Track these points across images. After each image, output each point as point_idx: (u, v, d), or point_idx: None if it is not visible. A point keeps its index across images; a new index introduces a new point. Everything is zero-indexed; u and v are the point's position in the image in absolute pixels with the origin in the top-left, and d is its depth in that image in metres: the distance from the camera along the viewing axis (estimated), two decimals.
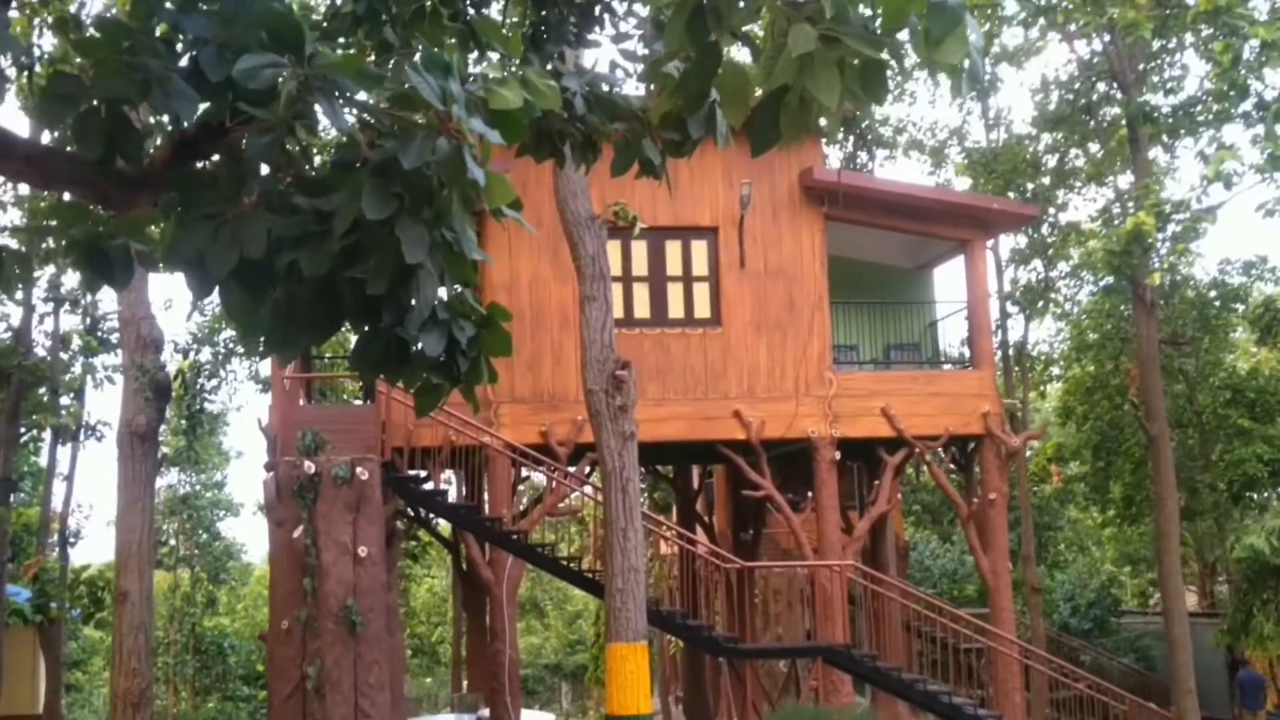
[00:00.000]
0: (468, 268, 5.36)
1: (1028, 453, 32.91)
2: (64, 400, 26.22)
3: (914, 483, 37.14)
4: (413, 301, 5.05)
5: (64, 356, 26.31)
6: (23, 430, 25.74)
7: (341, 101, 4.95)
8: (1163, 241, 22.60)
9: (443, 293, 5.22)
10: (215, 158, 5.31)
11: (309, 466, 14.77)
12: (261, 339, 5.18)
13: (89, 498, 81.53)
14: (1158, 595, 39.13)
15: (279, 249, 4.88)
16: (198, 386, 19.75)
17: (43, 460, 33.49)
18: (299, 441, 15.28)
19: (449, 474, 21.07)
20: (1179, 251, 19.15)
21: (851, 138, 30.59)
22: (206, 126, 5.24)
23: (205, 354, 27.27)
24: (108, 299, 24.74)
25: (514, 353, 16.52)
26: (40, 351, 24.36)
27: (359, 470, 14.90)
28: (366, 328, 5.25)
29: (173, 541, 41.11)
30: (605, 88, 7.11)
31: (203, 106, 4.97)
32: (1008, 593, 19.49)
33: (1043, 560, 37.55)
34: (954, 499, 20.12)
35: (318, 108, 4.80)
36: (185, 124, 5.13)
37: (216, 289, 4.88)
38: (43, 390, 23.71)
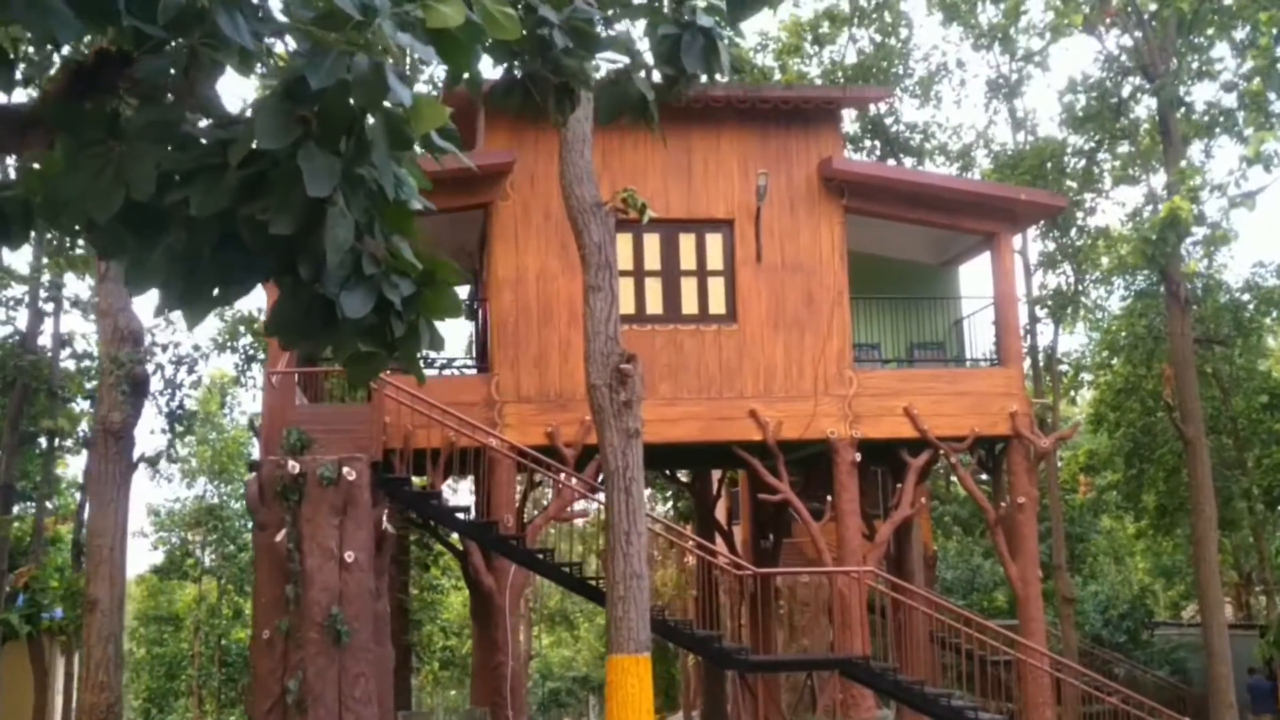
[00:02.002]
0: (404, 215, 4.62)
1: (1058, 463, 31.99)
2: (80, 407, 25.59)
3: (942, 494, 36.34)
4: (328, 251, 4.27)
5: (76, 364, 25.71)
6: (36, 437, 25.12)
7: (258, 18, 4.22)
8: (1195, 245, 21.79)
9: (370, 245, 4.46)
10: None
11: (293, 466, 13.98)
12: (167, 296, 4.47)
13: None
14: (1191, 607, 38.24)
15: (169, 186, 4.13)
16: (177, 382, 18.93)
17: (67, 471, 33.12)
18: (283, 440, 14.51)
19: (468, 481, 20.34)
20: (1218, 238, 18.25)
21: (878, 144, 29.91)
22: (107, 55, 4.50)
23: (229, 360, 26.65)
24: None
25: (520, 350, 15.59)
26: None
27: (346, 470, 14.09)
28: (285, 286, 4.50)
29: (199, 552, 40.68)
30: (586, 22, 6.31)
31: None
32: (1038, 602, 18.57)
33: (1077, 572, 36.73)
34: (981, 503, 19.22)
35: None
36: (66, 50, 4.39)
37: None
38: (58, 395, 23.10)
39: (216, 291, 4.48)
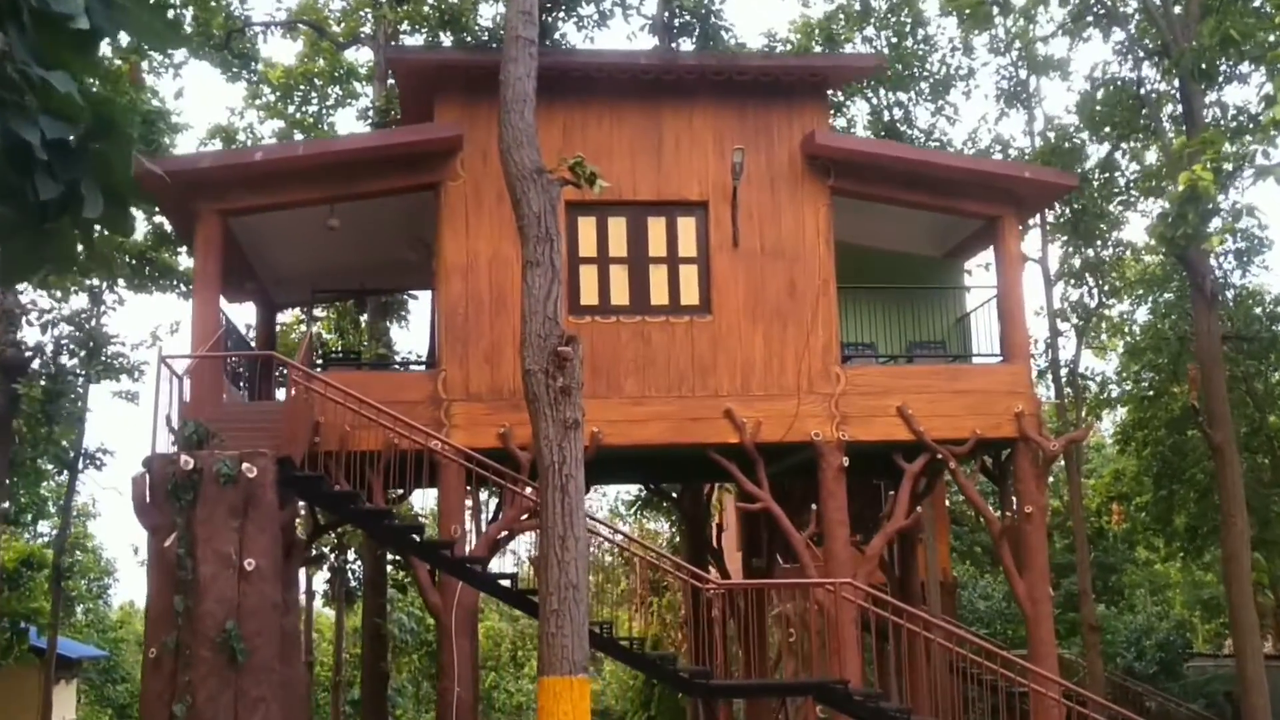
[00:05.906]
0: (59, 33, 3.05)
1: (1083, 492, 30.17)
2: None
3: (971, 523, 34.68)
4: None
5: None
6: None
7: None
8: (1222, 244, 20.10)
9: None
10: None
11: (186, 462, 12.32)
12: None
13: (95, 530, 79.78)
14: (1231, 640, 36.22)
15: None
16: (54, 369, 17.15)
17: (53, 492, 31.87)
18: (180, 431, 12.87)
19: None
20: (1239, 213, 16.53)
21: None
22: None
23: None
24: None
25: (470, 343, 13.42)
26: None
27: (245, 467, 12.43)
28: None
29: None
30: None
31: None
32: (1048, 623, 16.69)
33: (1113, 604, 35.13)
34: (984, 513, 17.38)
35: None
36: None
37: None
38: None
39: None
